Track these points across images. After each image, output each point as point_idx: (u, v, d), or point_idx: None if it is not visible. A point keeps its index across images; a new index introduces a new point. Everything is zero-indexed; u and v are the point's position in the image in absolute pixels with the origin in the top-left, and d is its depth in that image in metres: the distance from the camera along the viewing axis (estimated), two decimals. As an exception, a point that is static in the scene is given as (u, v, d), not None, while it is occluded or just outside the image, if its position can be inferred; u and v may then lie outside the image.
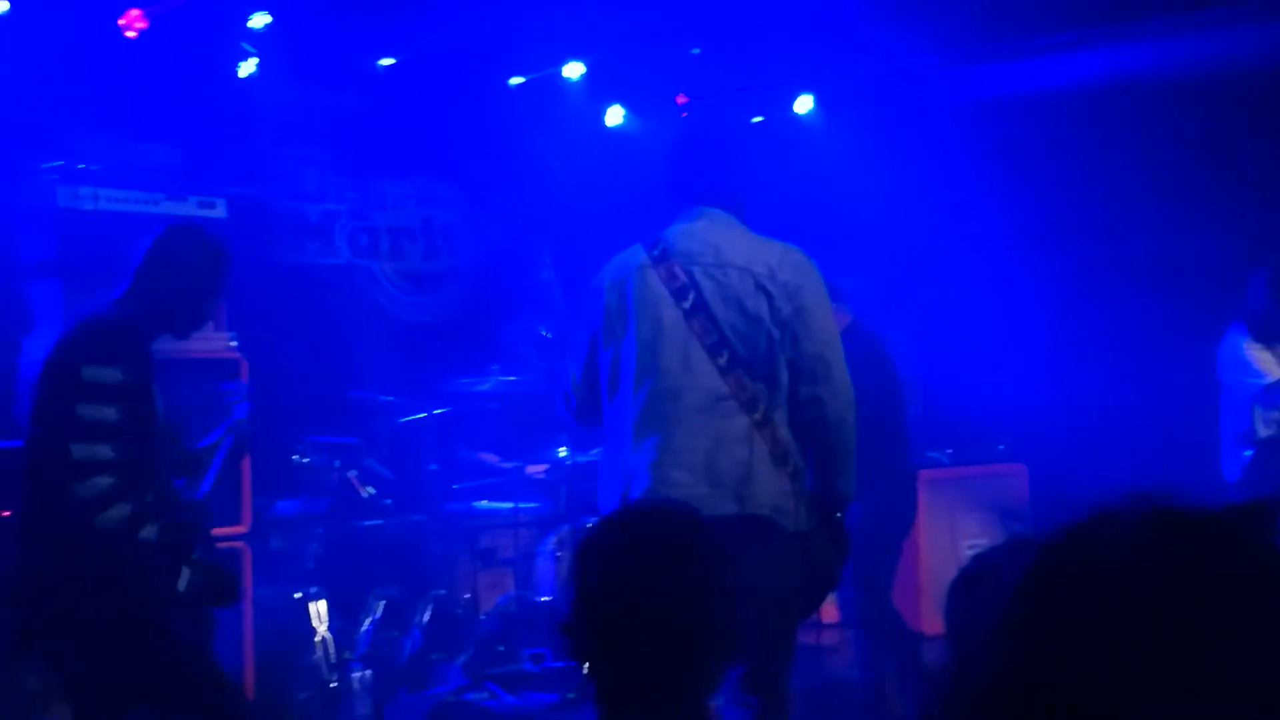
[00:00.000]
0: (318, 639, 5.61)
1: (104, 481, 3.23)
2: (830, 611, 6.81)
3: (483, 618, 6.22)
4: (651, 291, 3.51)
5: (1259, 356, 6.08)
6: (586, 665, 1.96)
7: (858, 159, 7.95)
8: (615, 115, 7.94)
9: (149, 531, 3.27)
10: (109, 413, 3.27)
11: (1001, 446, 7.74)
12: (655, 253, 3.56)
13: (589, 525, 2.06)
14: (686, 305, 3.46)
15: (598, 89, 7.67)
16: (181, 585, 3.34)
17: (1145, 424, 6.89)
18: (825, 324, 3.54)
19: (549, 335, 6.85)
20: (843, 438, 3.51)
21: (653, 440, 3.43)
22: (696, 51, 7.53)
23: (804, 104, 8.08)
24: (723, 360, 3.43)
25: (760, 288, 3.46)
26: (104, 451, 3.24)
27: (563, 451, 6.60)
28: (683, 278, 3.48)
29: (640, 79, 7.69)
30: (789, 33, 7.22)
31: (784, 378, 3.47)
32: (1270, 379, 6.03)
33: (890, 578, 5.34)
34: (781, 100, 8.09)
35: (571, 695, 5.86)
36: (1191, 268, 6.91)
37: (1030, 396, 7.69)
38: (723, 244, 3.54)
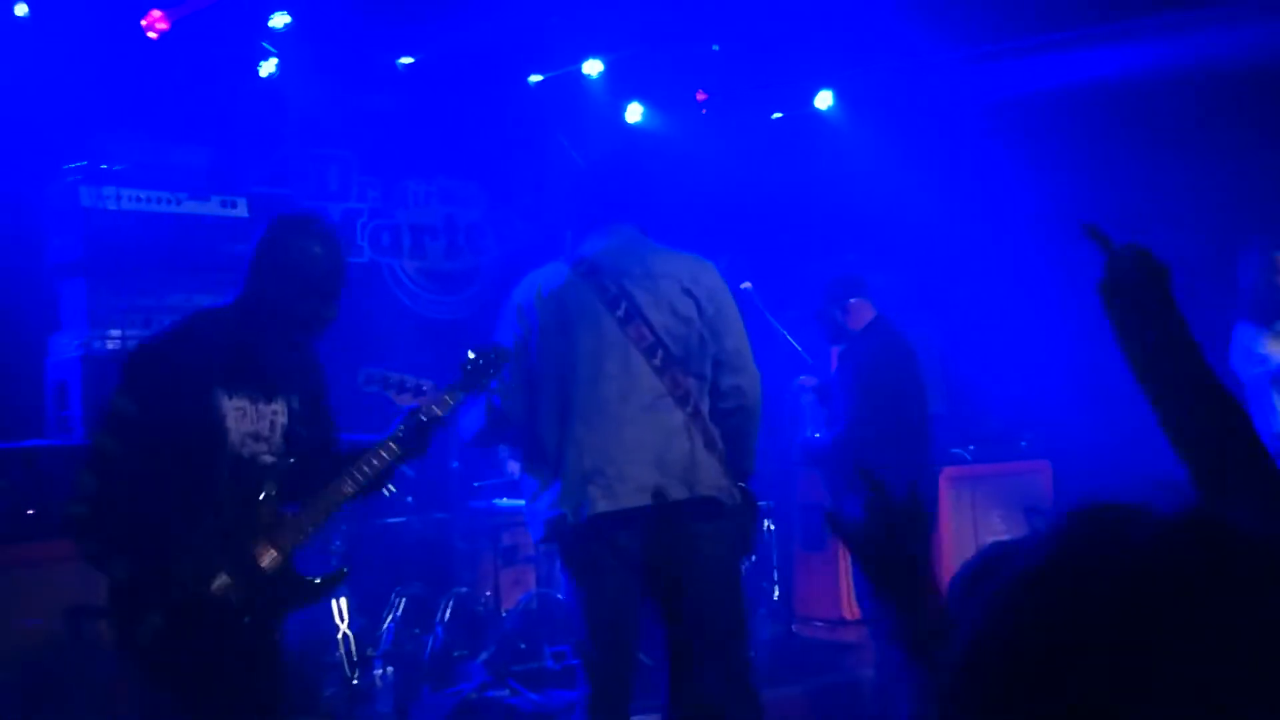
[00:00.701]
0: (340, 636, 5.63)
1: (80, 510, 3.15)
2: (853, 608, 6.79)
3: (505, 615, 6.23)
4: (586, 304, 3.80)
5: (1264, 342, 6.09)
6: None
7: (880, 154, 7.92)
8: (635, 112, 7.93)
9: (119, 569, 3.13)
10: (110, 444, 3.18)
11: (1024, 443, 7.70)
12: (583, 269, 3.86)
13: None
14: (620, 314, 3.78)
15: (618, 86, 7.66)
16: (142, 638, 3.10)
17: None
18: (739, 321, 3.95)
19: None
20: (754, 421, 3.94)
21: (604, 441, 3.71)
22: (717, 48, 7.51)
23: (824, 99, 8.06)
24: (657, 361, 3.77)
25: (686, 292, 3.82)
26: (90, 482, 3.16)
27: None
28: (614, 289, 3.80)
29: (660, 75, 7.68)
30: (810, 28, 7.20)
31: (709, 372, 3.85)
32: (1276, 360, 6.03)
33: None
34: (802, 96, 8.07)
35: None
36: (1221, 263, 6.80)
37: (1054, 392, 7.66)
38: (645, 256, 3.89)
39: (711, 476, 3.75)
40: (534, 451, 3.85)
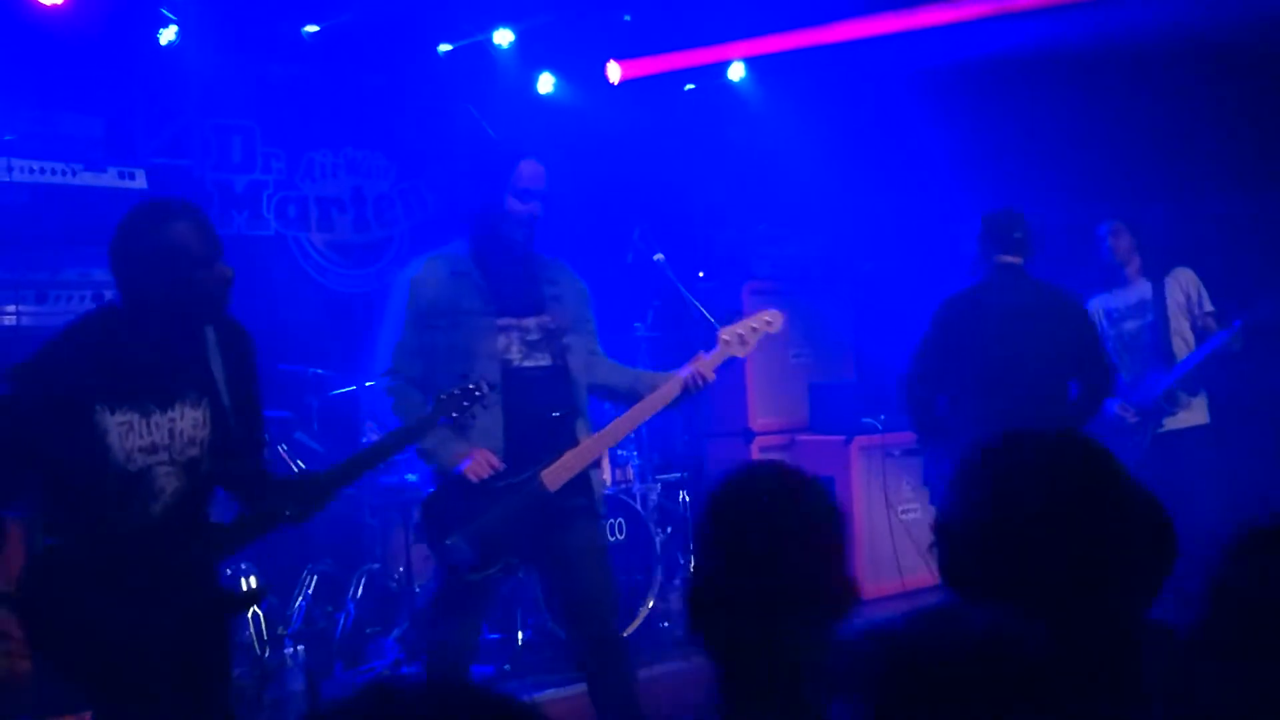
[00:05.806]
0: (249, 615, 5.54)
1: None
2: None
3: (417, 590, 6.17)
4: None
5: (1095, 309, 6.41)
6: (717, 641, 1.88)
7: (792, 125, 7.93)
8: (546, 83, 7.86)
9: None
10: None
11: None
12: None
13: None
14: None
15: (529, 56, 7.58)
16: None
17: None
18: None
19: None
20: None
21: None
22: (629, 18, 7.46)
23: (737, 71, 8.05)
24: None
25: None
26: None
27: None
28: None
29: (572, 45, 7.61)
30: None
31: None
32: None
33: None
34: (715, 67, 8.04)
35: (507, 666, 5.85)
36: (1143, 236, 6.83)
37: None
38: None
39: None
40: None
